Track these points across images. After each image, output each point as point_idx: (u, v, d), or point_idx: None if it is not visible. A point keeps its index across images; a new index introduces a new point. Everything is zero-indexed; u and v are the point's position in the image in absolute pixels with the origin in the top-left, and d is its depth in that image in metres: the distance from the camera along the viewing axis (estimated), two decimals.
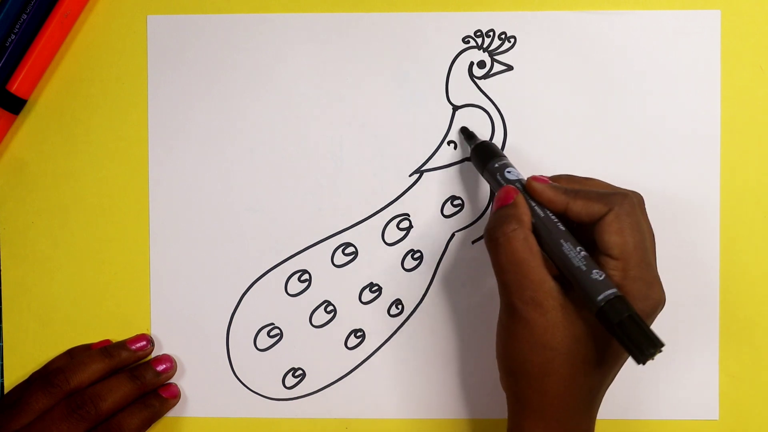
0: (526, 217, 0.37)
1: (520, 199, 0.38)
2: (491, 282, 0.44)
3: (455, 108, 0.44)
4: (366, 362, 0.45)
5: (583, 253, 0.35)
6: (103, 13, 0.45)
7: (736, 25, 0.44)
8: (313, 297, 0.45)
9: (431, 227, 0.45)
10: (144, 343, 0.44)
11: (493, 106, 0.44)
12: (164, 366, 0.44)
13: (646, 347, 0.32)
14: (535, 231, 0.37)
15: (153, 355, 0.45)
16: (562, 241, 0.36)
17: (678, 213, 0.44)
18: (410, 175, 0.45)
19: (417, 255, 0.45)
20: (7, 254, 0.45)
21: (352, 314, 0.45)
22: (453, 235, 0.45)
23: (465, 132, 0.44)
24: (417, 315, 0.45)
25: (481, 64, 0.44)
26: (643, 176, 0.44)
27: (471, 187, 0.45)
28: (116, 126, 0.45)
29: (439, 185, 0.44)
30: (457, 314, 0.45)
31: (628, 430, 0.45)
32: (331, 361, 0.45)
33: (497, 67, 0.44)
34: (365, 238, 0.45)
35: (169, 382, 0.45)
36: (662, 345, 0.33)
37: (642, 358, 0.32)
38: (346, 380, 0.45)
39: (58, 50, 0.44)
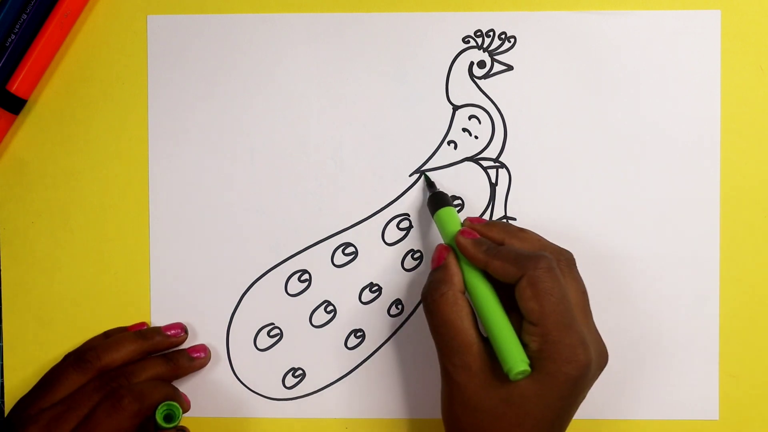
0: (457, 278, 0.38)
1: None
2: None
3: (455, 108, 0.44)
4: (366, 362, 0.45)
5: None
6: (103, 13, 0.45)
7: (736, 25, 0.44)
8: (313, 297, 0.45)
9: (431, 227, 0.45)
10: (178, 330, 0.44)
11: (493, 106, 0.44)
12: (199, 354, 0.44)
13: None
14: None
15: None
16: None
17: (678, 213, 0.44)
18: (410, 175, 0.45)
19: (417, 255, 0.45)
20: (7, 254, 0.45)
21: (352, 314, 0.45)
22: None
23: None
24: (417, 315, 0.45)
25: (481, 64, 0.44)
26: (643, 176, 0.44)
27: (471, 187, 0.45)
28: (116, 126, 0.45)
29: (439, 185, 0.44)
30: None
31: (629, 430, 0.45)
32: (331, 361, 0.45)
33: (497, 67, 0.44)
34: (365, 238, 0.45)
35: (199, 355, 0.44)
36: None
37: None
38: (346, 380, 0.45)
39: (58, 50, 0.44)
